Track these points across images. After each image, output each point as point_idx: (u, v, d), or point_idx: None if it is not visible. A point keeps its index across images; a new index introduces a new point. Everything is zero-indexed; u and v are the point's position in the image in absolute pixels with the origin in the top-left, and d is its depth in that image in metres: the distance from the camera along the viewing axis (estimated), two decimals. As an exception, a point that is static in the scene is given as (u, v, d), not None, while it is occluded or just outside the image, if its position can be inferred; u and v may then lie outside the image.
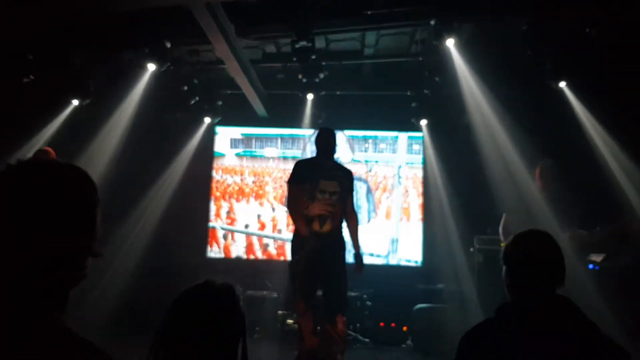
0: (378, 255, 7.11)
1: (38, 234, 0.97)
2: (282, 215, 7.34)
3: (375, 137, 7.43)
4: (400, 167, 7.37)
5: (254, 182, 7.54)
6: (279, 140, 7.60)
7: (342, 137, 6.89)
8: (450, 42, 4.95)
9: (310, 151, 7.28)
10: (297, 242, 3.98)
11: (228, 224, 7.43)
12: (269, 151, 7.59)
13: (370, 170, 7.33)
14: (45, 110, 6.06)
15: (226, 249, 7.37)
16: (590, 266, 4.52)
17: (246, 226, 7.38)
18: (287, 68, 6.30)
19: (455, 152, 6.69)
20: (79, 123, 6.15)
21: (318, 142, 4.22)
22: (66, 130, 6.10)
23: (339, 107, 6.84)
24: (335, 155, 4.27)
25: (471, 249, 5.82)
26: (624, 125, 5.13)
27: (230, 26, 5.10)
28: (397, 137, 7.44)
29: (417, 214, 7.25)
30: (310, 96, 6.31)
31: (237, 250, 7.35)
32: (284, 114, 7.08)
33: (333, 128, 4.38)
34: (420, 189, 7.29)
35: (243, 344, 1.47)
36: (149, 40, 5.40)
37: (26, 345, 0.92)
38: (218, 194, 7.53)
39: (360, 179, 7.02)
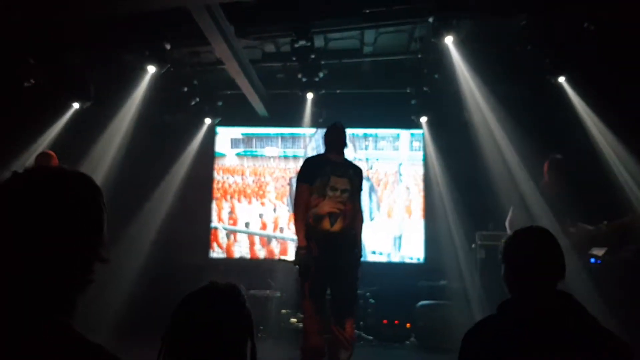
0: (380, 253, 7.13)
1: (46, 240, 0.99)
2: (284, 214, 7.36)
3: (376, 135, 7.44)
4: (400, 164, 7.38)
5: (254, 181, 7.55)
6: (280, 140, 7.61)
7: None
8: (449, 40, 4.95)
9: (312, 148, 7.32)
10: (308, 243, 3.80)
11: (230, 224, 7.45)
12: (270, 150, 7.61)
13: (371, 168, 7.34)
14: (47, 114, 6.08)
15: (228, 249, 7.39)
16: (592, 260, 4.53)
17: (247, 224, 7.40)
18: (286, 67, 6.31)
19: (456, 149, 6.69)
20: (81, 126, 6.17)
21: (328, 137, 4.05)
22: (68, 134, 6.12)
23: (339, 105, 6.85)
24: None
25: (473, 245, 5.83)
26: (623, 120, 5.13)
27: (229, 27, 5.11)
28: (398, 135, 7.45)
29: (418, 211, 7.26)
30: (310, 95, 6.32)
31: (240, 250, 7.37)
32: (284, 113, 7.09)
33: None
34: (421, 186, 7.30)
35: (252, 344, 1.48)
36: (148, 42, 5.41)
37: (35, 349, 0.94)
38: (219, 194, 7.55)
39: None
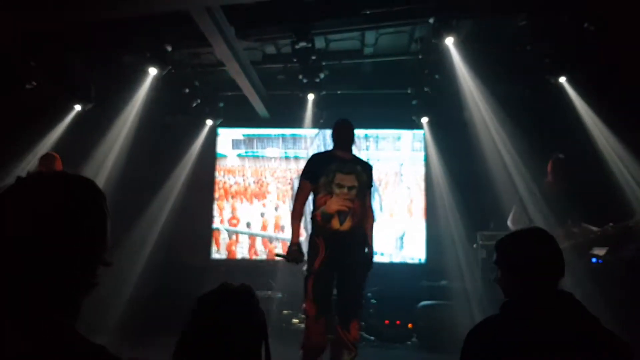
0: (382, 254, 7.13)
1: (50, 244, 1.00)
2: (285, 214, 7.37)
3: (377, 136, 7.45)
4: (402, 164, 7.39)
5: (255, 182, 7.56)
6: (281, 141, 7.62)
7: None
8: (449, 41, 4.96)
9: (313, 150, 7.33)
10: (315, 240, 3.75)
11: (232, 225, 7.47)
12: (271, 151, 7.62)
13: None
14: (48, 116, 6.10)
15: (230, 250, 7.40)
16: (594, 260, 4.53)
17: (248, 225, 7.41)
18: (287, 69, 6.33)
19: (457, 149, 6.70)
20: (82, 128, 6.19)
21: (335, 134, 3.94)
22: (69, 136, 6.14)
23: (339, 106, 6.86)
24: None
25: (474, 245, 5.84)
26: (623, 119, 5.14)
27: (230, 28, 5.12)
28: (399, 135, 7.46)
29: (419, 211, 7.27)
30: (311, 96, 6.34)
31: (241, 251, 7.38)
32: (285, 114, 7.10)
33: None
34: (423, 186, 7.31)
35: (266, 345, 1.48)
36: (149, 44, 5.43)
37: (39, 352, 0.94)
38: (221, 195, 7.56)
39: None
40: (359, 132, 7.28)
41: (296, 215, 3.83)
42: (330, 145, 4.02)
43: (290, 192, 7.41)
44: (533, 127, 5.95)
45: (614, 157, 5.42)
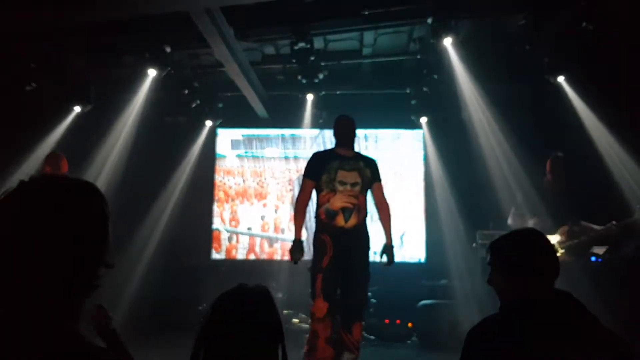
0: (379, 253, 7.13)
1: (52, 247, 1.01)
2: (285, 215, 7.37)
3: (376, 136, 7.45)
4: (401, 164, 7.38)
5: (256, 182, 7.56)
6: (280, 141, 7.62)
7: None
8: (447, 42, 4.97)
9: (317, 147, 7.32)
10: (320, 237, 3.70)
11: (232, 225, 7.47)
12: (270, 152, 7.62)
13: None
14: (48, 118, 6.10)
15: (230, 251, 7.41)
16: (593, 258, 4.54)
17: (249, 228, 7.42)
18: (286, 69, 6.33)
19: (456, 149, 6.71)
20: (82, 129, 6.19)
21: (336, 130, 3.91)
22: (69, 137, 6.14)
23: (339, 106, 6.83)
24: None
25: (474, 244, 5.84)
26: (622, 119, 5.15)
27: (229, 29, 5.12)
28: (399, 135, 7.47)
29: (419, 211, 7.28)
30: (310, 96, 6.36)
31: (241, 251, 7.38)
32: (284, 114, 7.10)
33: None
34: (422, 186, 7.31)
35: (283, 348, 1.47)
36: (148, 45, 5.43)
37: (41, 354, 0.95)
38: (221, 195, 7.56)
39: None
40: (358, 133, 7.33)
41: (299, 212, 3.81)
42: (331, 146, 4.01)
43: (290, 193, 7.42)
44: (532, 126, 5.96)
45: (612, 156, 5.43)
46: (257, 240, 7.39)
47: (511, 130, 5.91)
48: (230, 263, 7.25)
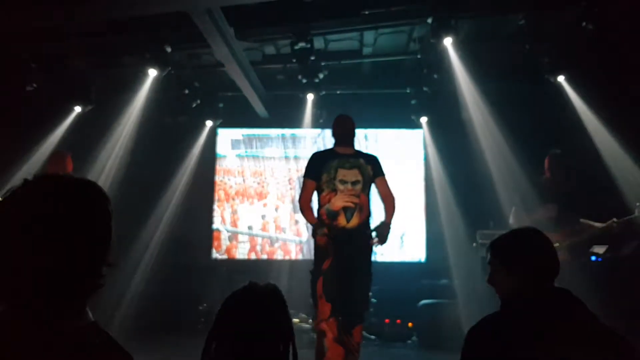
0: (382, 253, 7.14)
1: (56, 246, 1.01)
2: (286, 215, 7.38)
3: (376, 136, 7.46)
4: (401, 164, 7.39)
5: (256, 182, 7.57)
6: (281, 141, 7.63)
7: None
8: (447, 41, 4.97)
9: (318, 148, 7.32)
10: (322, 241, 3.62)
11: (232, 225, 7.48)
12: (271, 151, 7.63)
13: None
14: (49, 118, 6.11)
15: (230, 251, 7.41)
16: (593, 258, 4.55)
17: (249, 228, 7.43)
18: (287, 69, 6.34)
19: (456, 148, 6.71)
20: (82, 129, 6.20)
21: (335, 130, 3.86)
22: (70, 137, 6.15)
23: (339, 106, 6.82)
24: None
25: (474, 244, 5.85)
26: (622, 118, 5.15)
27: (229, 29, 5.13)
28: (399, 135, 7.47)
29: (419, 210, 7.29)
30: (310, 96, 6.37)
31: (241, 251, 7.39)
32: (284, 114, 7.11)
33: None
34: (422, 186, 7.32)
35: (293, 348, 1.48)
36: (149, 45, 5.43)
37: (45, 352, 0.96)
38: (220, 197, 7.57)
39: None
40: (358, 132, 7.33)
41: (306, 209, 3.72)
42: (331, 146, 3.96)
43: (290, 192, 7.43)
44: (532, 126, 5.97)
45: (612, 156, 5.43)
46: (258, 240, 7.39)
47: (511, 130, 5.91)
48: (231, 263, 7.26)
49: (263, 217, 7.44)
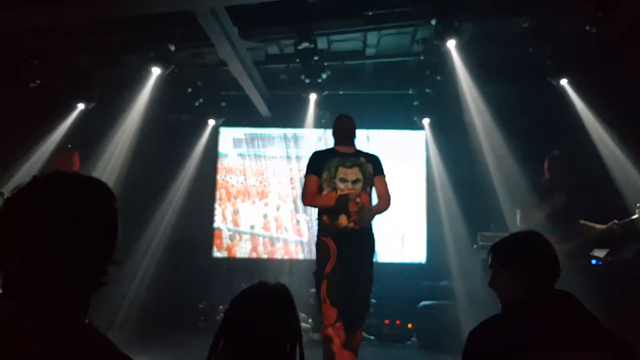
0: (382, 254, 7.15)
1: (63, 243, 1.02)
2: (287, 214, 7.39)
3: (378, 136, 7.46)
4: (403, 165, 7.39)
5: (258, 181, 7.58)
6: (282, 140, 7.64)
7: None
8: (451, 43, 4.98)
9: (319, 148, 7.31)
10: (323, 241, 3.57)
11: (233, 224, 7.49)
12: (273, 151, 7.64)
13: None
14: (52, 115, 6.12)
15: (231, 250, 7.42)
16: (593, 262, 4.55)
17: (251, 227, 7.44)
18: (290, 69, 6.34)
19: (458, 150, 6.72)
20: (86, 127, 6.21)
21: (335, 129, 3.83)
22: (73, 134, 6.16)
23: (341, 106, 6.83)
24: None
25: (474, 246, 5.85)
26: (624, 121, 5.15)
27: (233, 29, 5.14)
28: (401, 136, 7.47)
29: (420, 212, 7.29)
30: (313, 96, 6.37)
31: (243, 250, 7.40)
32: (287, 114, 7.12)
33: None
34: (424, 187, 7.32)
35: (300, 348, 1.48)
36: (153, 44, 5.45)
37: (50, 348, 0.97)
38: (223, 193, 7.58)
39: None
40: (360, 133, 7.33)
41: (313, 196, 3.64)
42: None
43: (292, 192, 7.43)
44: (534, 128, 5.98)
45: (614, 159, 5.43)
46: (260, 239, 7.40)
47: (513, 133, 5.92)
48: (232, 262, 7.27)
49: (265, 216, 7.45)
